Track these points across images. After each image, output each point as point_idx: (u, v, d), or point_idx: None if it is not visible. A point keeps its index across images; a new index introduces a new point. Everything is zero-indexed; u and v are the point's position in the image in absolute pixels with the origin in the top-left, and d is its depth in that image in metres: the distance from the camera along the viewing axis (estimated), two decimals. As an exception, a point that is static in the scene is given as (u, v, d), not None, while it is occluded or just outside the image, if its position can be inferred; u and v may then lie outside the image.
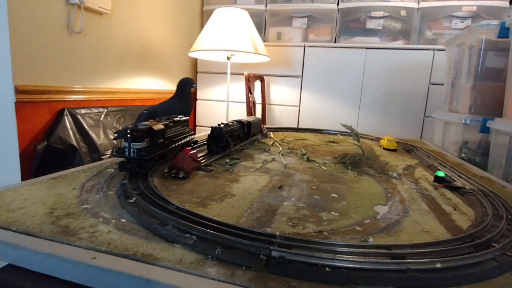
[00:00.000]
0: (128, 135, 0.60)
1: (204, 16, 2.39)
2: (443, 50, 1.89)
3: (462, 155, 1.23)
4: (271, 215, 0.50)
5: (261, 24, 2.27)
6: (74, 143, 1.25)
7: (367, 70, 2.07)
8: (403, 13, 2.07)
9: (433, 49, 1.96)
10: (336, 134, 1.52)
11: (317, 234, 0.44)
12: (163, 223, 0.42)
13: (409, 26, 2.07)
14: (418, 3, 2.02)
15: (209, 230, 0.39)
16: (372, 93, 2.08)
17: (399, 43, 2.07)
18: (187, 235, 0.39)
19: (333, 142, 1.31)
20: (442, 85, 1.92)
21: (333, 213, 0.52)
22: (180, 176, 0.66)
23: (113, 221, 0.44)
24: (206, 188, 0.61)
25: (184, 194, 0.57)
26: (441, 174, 0.73)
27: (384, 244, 0.40)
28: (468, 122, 1.13)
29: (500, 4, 1.91)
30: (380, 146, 1.24)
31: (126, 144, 0.61)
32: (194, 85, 1.04)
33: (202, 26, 2.37)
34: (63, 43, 1.27)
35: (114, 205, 0.50)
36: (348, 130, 0.90)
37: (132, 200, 0.49)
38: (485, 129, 1.08)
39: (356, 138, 0.86)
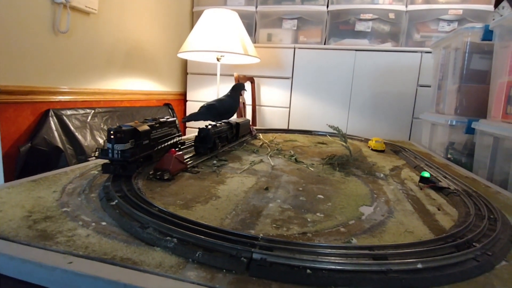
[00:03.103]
0: (112, 136, 0.59)
1: (194, 17, 2.38)
2: (431, 52, 1.93)
3: (449, 155, 1.25)
4: (256, 217, 0.49)
5: (251, 26, 2.27)
6: (60, 144, 1.23)
7: (357, 72, 2.08)
8: (391, 15, 2.10)
9: (421, 52, 1.98)
10: (325, 135, 1.52)
11: (300, 235, 0.44)
12: (144, 226, 0.41)
13: (398, 29, 2.09)
14: (406, 6, 2.05)
15: (190, 233, 0.38)
16: (361, 94, 2.10)
17: (388, 45, 2.09)
18: (167, 238, 0.38)
19: (322, 143, 1.31)
20: (430, 87, 1.96)
21: (318, 214, 0.52)
22: (165, 178, 0.65)
23: (93, 224, 0.43)
24: (191, 190, 0.60)
25: (169, 196, 0.57)
26: (426, 174, 0.74)
27: (366, 245, 0.40)
28: (454, 123, 1.15)
29: (485, 8, 1.95)
30: (369, 147, 1.25)
31: (109, 145, 0.60)
32: (246, 90, 1.26)
33: (192, 27, 2.35)
34: (48, 43, 1.25)
35: (95, 208, 0.49)
36: (335, 131, 0.91)
37: (114, 203, 0.49)
38: (470, 130, 1.10)
39: (343, 139, 0.87)
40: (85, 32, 1.42)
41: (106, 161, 0.61)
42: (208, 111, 1.07)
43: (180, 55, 1.82)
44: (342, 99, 2.12)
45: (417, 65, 2.01)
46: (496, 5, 2.04)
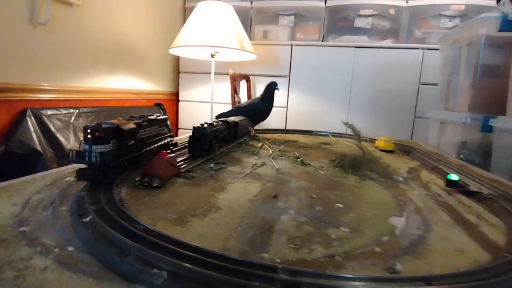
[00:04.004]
0: (89, 136, 0.49)
1: (186, 13, 2.27)
2: (433, 49, 1.86)
3: (461, 156, 1.17)
4: (267, 234, 0.40)
5: (246, 22, 2.17)
6: (38, 147, 1.11)
7: (356, 70, 2.00)
8: (391, 11, 2.03)
9: (423, 48, 1.91)
10: (327, 135, 1.43)
11: (328, 259, 0.34)
12: (124, 252, 0.31)
13: (398, 25, 2.02)
14: (407, 2, 1.98)
15: (185, 264, 0.28)
16: (361, 93, 2.01)
17: (388, 42, 2.02)
18: (154, 270, 0.28)
19: (326, 143, 1.22)
20: (433, 85, 1.89)
21: (342, 228, 0.43)
22: (155, 185, 0.55)
23: (56, 250, 0.33)
24: (185, 200, 0.50)
25: (158, 208, 0.46)
26: (454, 177, 0.65)
27: (420, 276, 0.30)
28: (468, 120, 1.07)
29: (487, 3, 1.89)
30: (376, 147, 1.16)
31: (86, 146, 0.49)
32: (278, 89, 1.23)
33: (184, 24, 2.25)
34: (25, 35, 1.13)
35: (63, 226, 0.38)
36: (341, 132, 0.82)
37: (87, 219, 0.38)
38: (486, 128, 1.02)
39: (357, 138, 0.77)
40: (68, 24, 1.31)
41: (82, 166, 0.51)
42: (233, 113, 1.14)
43: (172, 51, 1.71)
44: (342, 98, 2.04)
45: (419, 63, 1.93)
46: (498, 0, 1.98)
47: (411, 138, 1.99)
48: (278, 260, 0.33)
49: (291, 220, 0.45)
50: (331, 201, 0.54)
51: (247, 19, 2.17)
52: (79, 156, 0.50)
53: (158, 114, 0.74)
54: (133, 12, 1.73)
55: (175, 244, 0.32)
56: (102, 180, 0.50)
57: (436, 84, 1.89)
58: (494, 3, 1.92)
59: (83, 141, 0.50)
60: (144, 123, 0.64)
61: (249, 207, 0.48)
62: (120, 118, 0.59)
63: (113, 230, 0.34)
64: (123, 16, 1.65)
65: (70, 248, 0.33)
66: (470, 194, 0.62)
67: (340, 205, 0.52)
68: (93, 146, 0.49)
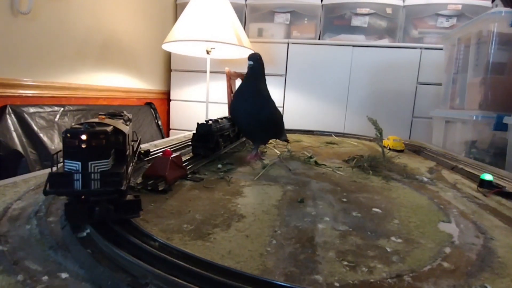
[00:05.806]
0: (83, 145, 0.29)
1: (178, 10, 2.18)
2: (431, 49, 1.84)
3: (470, 155, 1.13)
4: (310, 248, 0.32)
5: (240, 20, 2.09)
6: (19, 148, 1.01)
7: (354, 69, 1.96)
8: (388, 10, 2.00)
9: (421, 48, 1.89)
10: (330, 135, 1.38)
11: (396, 281, 0.27)
12: (139, 282, 0.23)
13: (395, 24, 1.99)
14: (404, 1, 1.95)
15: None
16: (359, 92, 1.97)
17: (385, 42, 1.99)
18: (186, 307, 0.20)
19: (332, 143, 1.16)
20: (431, 84, 1.87)
21: (393, 238, 0.36)
22: (160, 188, 0.47)
23: (45, 279, 0.24)
24: (199, 206, 0.42)
25: (169, 217, 0.38)
26: (488, 177, 0.60)
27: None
28: (479, 119, 1.03)
29: (484, 4, 1.89)
30: (384, 146, 1.11)
31: (73, 164, 0.30)
32: (250, 63, 0.76)
33: (175, 21, 2.16)
34: (5, 25, 1.02)
35: (53, 244, 0.30)
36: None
37: (83, 234, 0.30)
38: (500, 126, 0.98)
39: (379, 136, 0.71)
40: (53, 15, 1.20)
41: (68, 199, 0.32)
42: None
43: (165, 47, 1.62)
44: (339, 97, 1.99)
45: (416, 62, 1.91)
46: (493, 1, 1.99)
47: (409, 138, 1.96)
48: (337, 284, 0.26)
49: (330, 229, 0.37)
50: (365, 205, 0.47)
51: (242, 17, 2.10)
52: (62, 181, 0.29)
53: (123, 112, 0.51)
54: (121, 5, 1.63)
55: (208, 267, 0.24)
56: (116, 217, 0.31)
57: (434, 84, 1.87)
58: (489, 3, 1.93)
59: (63, 154, 0.30)
60: (128, 123, 0.46)
61: (277, 214, 0.41)
62: (102, 116, 0.40)
63: (121, 250, 0.26)
64: (111, 9, 1.55)
65: (64, 275, 0.25)
66: (508, 195, 0.57)
67: (377, 210, 0.45)
68: (90, 163, 0.30)
